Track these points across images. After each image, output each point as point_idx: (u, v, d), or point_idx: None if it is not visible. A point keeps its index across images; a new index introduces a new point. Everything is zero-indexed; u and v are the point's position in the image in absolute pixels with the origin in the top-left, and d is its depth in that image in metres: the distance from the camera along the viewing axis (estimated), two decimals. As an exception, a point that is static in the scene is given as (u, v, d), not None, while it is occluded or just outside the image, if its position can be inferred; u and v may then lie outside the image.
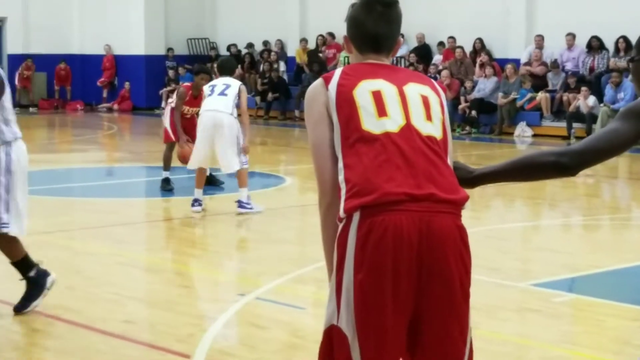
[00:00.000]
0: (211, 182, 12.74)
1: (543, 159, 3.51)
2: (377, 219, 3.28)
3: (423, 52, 24.28)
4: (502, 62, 22.74)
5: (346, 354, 3.34)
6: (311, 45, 26.70)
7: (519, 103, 21.74)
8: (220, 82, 11.28)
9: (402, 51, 24.76)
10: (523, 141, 20.98)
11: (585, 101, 20.52)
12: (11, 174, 6.66)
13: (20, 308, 6.84)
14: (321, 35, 26.45)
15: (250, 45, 28.02)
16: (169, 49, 28.76)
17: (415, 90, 3.50)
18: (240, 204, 11.09)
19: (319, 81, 3.52)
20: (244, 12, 28.35)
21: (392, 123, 3.39)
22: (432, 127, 3.44)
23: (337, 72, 3.51)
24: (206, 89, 11.35)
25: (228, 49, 28.52)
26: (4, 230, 6.68)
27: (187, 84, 12.87)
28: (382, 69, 3.55)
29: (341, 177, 3.38)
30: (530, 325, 6.87)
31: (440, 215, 3.32)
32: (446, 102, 3.64)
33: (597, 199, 13.86)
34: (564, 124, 20.90)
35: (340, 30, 25.99)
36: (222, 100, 10.95)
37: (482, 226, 10.68)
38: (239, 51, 28.28)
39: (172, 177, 12.87)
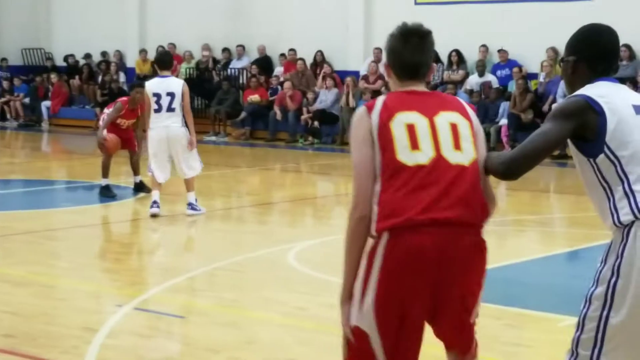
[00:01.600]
0: (141, 188, 13.43)
1: (488, 165, 4.00)
2: (401, 239, 3.83)
3: (264, 64, 24.55)
4: (343, 74, 23.25)
5: (367, 347, 3.94)
6: (151, 55, 26.57)
7: (358, 113, 22.26)
8: (163, 89, 11.68)
9: (243, 62, 25.00)
10: (364, 151, 21.48)
11: (423, 112, 21.28)
12: None
13: None
14: (161, 46, 26.35)
15: (88, 56, 27.65)
16: (3, 59, 28.08)
17: (445, 119, 3.98)
18: (192, 207, 11.82)
19: (363, 109, 4.00)
20: (81, 23, 27.93)
21: (423, 156, 3.89)
22: (461, 155, 3.93)
23: (379, 102, 3.99)
24: (150, 95, 11.73)
25: (65, 59, 28.06)
26: None
27: (124, 98, 13.50)
28: (417, 98, 4.01)
29: (376, 200, 3.89)
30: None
31: (458, 237, 3.87)
32: (475, 119, 4.09)
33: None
34: (403, 134, 21.58)
35: (181, 42, 26.00)
36: (171, 116, 11.66)
37: (342, 234, 10.99)
38: (77, 62, 27.87)
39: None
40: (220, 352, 6.38)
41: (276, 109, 22.88)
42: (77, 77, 27.29)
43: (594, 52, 4.05)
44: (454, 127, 3.97)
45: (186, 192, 11.97)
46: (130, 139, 13.34)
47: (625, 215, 3.86)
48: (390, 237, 3.84)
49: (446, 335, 4.11)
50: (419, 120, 3.94)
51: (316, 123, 22.54)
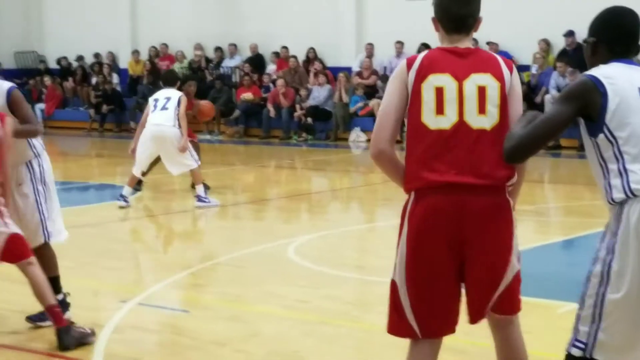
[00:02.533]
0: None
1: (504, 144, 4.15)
2: (423, 199, 4.20)
3: (257, 62, 24.65)
4: (335, 70, 23.36)
5: (397, 298, 4.28)
6: (144, 56, 26.65)
7: (352, 109, 22.36)
8: (162, 95, 12.43)
9: (235, 61, 25.08)
10: (358, 146, 21.61)
11: (416, 106, 21.31)
12: (46, 184, 6.78)
13: (37, 320, 6.84)
14: (154, 46, 26.45)
15: (80, 58, 27.71)
16: (-4, 63, 28.19)
17: (474, 83, 4.17)
18: (199, 199, 12.30)
19: (403, 63, 4.28)
20: (73, 25, 28.00)
21: (446, 121, 4.18)
22: (484, 120, 4.18)
23: (417, 61, 4.24)
24: (150, 102, 12.42)
25: (58, 62, 28.15)
26: (51, 239, 6.81)
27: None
28: (453, 59, 4.22)
29: (405, 160, 4.27)
30: (407, 316, 7.30)
31: (475, 197, 4.15)
32: (512, 78, 4.27)
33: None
34: (396, 129, 21.62)
35: (173, 41, 26.06)
36: (163, 114, 12.21)
37: (338, 228, 11.13)
38: (70, 64, 27.94)
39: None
40: (226, 345, 6.49)
41: (269, 106, 22.99)
42: (70, 79, 27.38)
43: (613, 33, 4.13)
44: (481, 91, 4.18)
45: (195, 186, 12.49)
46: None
47: (618, 193, 3.98)
48: (415, 196, 4.22)
49: (479, 295, 4.33)
50: (448, 83, 4.19)
51: (309, 119, 22.66)
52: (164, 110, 12.26)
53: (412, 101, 4.21)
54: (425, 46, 22.16)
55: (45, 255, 6.83)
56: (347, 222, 11.93)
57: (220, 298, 7.89)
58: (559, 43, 20.56)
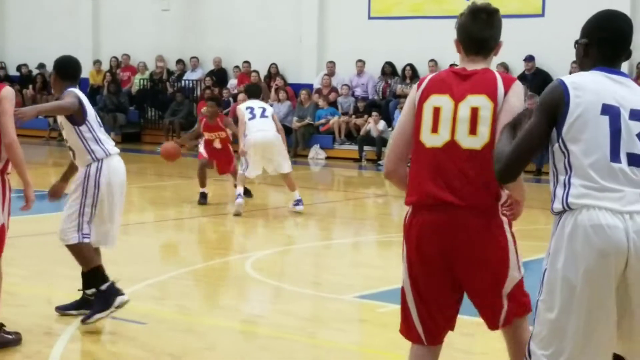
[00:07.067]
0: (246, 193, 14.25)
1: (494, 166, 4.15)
2: (418, 214, 4.46)
3: (219, 76, 24.67)
4: (296, 87, 23.45)
5: (406, 304, 4.60)
6: (105, 66, 26.57)
7: (316, 123, 22.42)
8: (255, 104, 13.62)
9: (197, 74, 25.08)
10: (317, 163, 21.69)
11: (376, 125, 21.47)
12: (98, 188, 7.14)
13: (85, 319, 7.09)
14: (115, 57, 26.38)
15: (41, 66, 27.55)
16: (-46, 69, 27.97)
17: (469, 104, 4.32)
18: (298, 203, 13.47)
19: (416, 83, 4.55)
20: (34, 32, 27.85)
21: (439, 139, 4.39)
22: (475, 140, 4.35)
23: (425, 81, 4.51)
24: (246, 112, 13.38)
25: (18, 69, 27.98)
26: (85, 240, 7.23)
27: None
28: (456, 81, 4.46)
29: (409, 175, 4.52)
30: (362, 334, 7.38)
31: (467, 216, 4.35)
32: (507, 95, 4.36)
33: (388, 217, 14.58)
34: (355, 147, 21.76)
35: (135, 53, 26.01)
36: (266, 121, 13.35)
37: (296, 244, 11.17)
38: (30, 71, 27.78)
39: None
40: (182, 358, 6.51)
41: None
42: (30, 86, 27.22)
43: (603, 36, 4.08)
44: (474, 112, 4.35)
45: (291, 192, 13.61)
46: (214, 151, 14.70)
47: (558, 204, 3.98)
48: (412, 210, 4.49)
49: (478, 309, 4.64)
50: (445, 103, 4.38)
51: (270, 135, 22.66)
52: (264, 118, 13.32)
53: (416, 120, 4.44)
54: (389, 65, 22.39)
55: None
56: (305, 239, 11.99)
57: (177, 311, 7.90)
58: (518, 67, 20.78)
